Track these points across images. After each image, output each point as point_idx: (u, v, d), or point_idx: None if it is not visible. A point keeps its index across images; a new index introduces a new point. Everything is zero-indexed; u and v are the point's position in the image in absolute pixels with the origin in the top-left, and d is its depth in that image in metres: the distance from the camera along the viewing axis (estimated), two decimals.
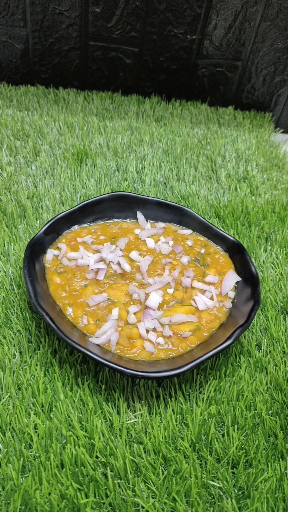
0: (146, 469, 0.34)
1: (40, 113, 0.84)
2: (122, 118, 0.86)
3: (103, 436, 0.36)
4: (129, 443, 0.36)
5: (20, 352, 0.42)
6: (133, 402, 0.39)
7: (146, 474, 0.34)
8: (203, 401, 0.40)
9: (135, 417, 0.38)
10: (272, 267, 0.56)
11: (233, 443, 0.37)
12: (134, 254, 0.51)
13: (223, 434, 0.38)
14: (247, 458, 0.36)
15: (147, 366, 0.40)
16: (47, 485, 0.33)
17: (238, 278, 0.49)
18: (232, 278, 0.49)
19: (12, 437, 0.36)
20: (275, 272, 0.55)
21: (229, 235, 0.54)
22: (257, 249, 0.58)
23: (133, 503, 0.33)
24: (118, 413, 0.38)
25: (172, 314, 0.45)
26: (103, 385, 0.40)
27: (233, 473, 0.35)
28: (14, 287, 0.48)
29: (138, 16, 0.85)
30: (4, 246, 0.53)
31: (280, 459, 0.36)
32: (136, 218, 0.57)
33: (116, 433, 0.37)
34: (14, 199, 0.61)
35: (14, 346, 0.42)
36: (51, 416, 0.37)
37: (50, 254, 0.49)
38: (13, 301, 0.46)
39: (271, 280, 0.53)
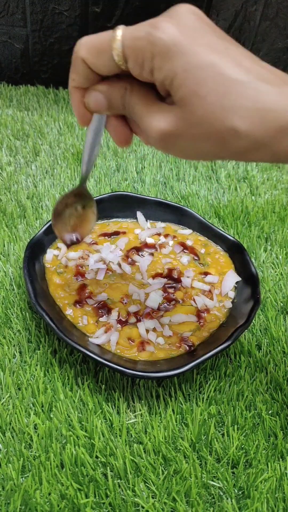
0: (146, 469, 0.34)
1: (40, 113, 0.84)
2: None
3: (103, 436, 0.36)
4: (129, 443, 0.36)
5: (20, 352, 0.42)
6: (133, 402, 0.39)
7: (146, 474, 0.34)
8: (203, 401, 0.40)
9: (135, 417, 0.38)
10: (272, 267, 0.56)
11: (233, 443, 0.37)
12: (134, 254, 0.52)
13: (223, 434, 0.38)
14: (247, 458, 0.36)
15: (147, 366, 0.40)
16: (47, 485, 0.33)
17: (238, 278, 0.49)
18: (232, 278, 0.49)
19: (12, 437, 0.36)
20: (275, 272, 0.55)
21: (229, 235, 0.54)
22: (257, 249, 0.58)
23: (133, 503, 0.33)
24: (118, 413, 0.38)
25: (172, 314, 0.45)
26: (103, 385, 0.40)
27: (233, 473, 0.35)
28: (14, 287, 0.48)
29: (138, 16, 0.85)
30: (4, 246, 0.53)
31: (280, 459, 0.36)
32: (136, 218, 0.57)
33: (116, 433, 0.37)
34: (14, 199, 0.61)
35: (14, 346, 0.42)
36: (51, 416, 0.37)
37: (50, 254, 0.49)
38: (13, 301, 0.46)
39: (271, 280, 0.53)
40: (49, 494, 0.32)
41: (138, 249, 0.52)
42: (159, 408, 0.39)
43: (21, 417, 0.36)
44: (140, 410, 0.38)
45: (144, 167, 0.71)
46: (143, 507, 0.32)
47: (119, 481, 0.34)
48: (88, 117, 0.30)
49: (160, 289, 0.48)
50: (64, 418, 0.37)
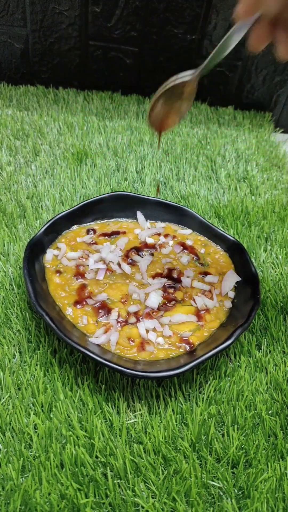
0: (146, 469, 0.34)
1: (40, 113, 0.84)
2: (122, 118, 0.86)
3: (103, 436, 0.36)
4: (129, 443, 0.36)
5: (20, 352, 0.42)
6: (133, 402, 0.39)
7: (146, 474, 0.34)
8: (203, 401, 0.40)
9: (135, 417, 0.38)
10: (272, 267, 0.56)
11: (233, 443, 0.37)
12: (134, 254, 0.52)
13: (223, 434, 0.38)
14: (247, 458, 0.36)
15: (147, 366, 0.40)
16: (47, 485, 0.33)
17: (238, 278, 0.49)
18: (232, 278, 0.49)
19: (12, 437, 0.36)
20: (275, 272, 0.55)
21: (229, 235, 0.54)
22: (257, 249, 0.58)
23: (133, 503, 0.33)
24: (118, 413, 0.38)
25: (172, 314, 0.45)
26: (103, 385, 0.40)
27: (233, 473, 0.35)
28: (14, 287, 0.48)
29: (138, 16, 0.85)
30: (4, 246, 0.53)
31: (280, 459, 0.36)
32: (136, 218, 0.57)
33: (116, 433, 0.37)
34: (14, 199, 0.61)
35: (14, 346, 0.42)
36: (51, 416, 0.37)
37: (49, 254, 0.49)
38: (13, 301, 0.46)
39: (271, 280, 0.53)
40: (49, 494, 0.32)
41: (138, 249, 0.52)
42: (159, 408, 0.39)
43: (21, 417, 0.36)
44: (140, 410, 0.38)
45: (144, 167, 0.71)
46: (143, 507, 0.32)
47: (119, 481, 0.34)
48: (251, 14, 0.33)
49: (160, 289, 0.48)
50: (64, 418, 0.37)
